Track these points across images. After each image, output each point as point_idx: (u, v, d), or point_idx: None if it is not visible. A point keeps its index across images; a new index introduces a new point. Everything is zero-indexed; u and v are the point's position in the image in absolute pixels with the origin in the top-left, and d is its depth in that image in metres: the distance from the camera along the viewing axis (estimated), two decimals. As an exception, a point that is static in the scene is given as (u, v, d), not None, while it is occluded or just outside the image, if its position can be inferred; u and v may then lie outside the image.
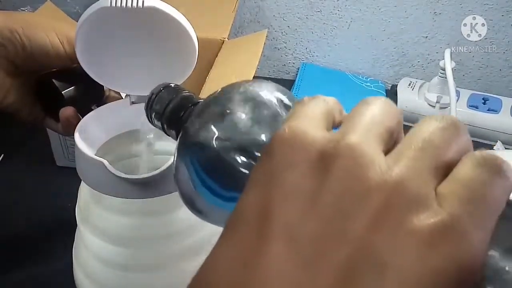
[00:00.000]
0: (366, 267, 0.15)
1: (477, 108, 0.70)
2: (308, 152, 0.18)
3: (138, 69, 0.38)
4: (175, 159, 0.26)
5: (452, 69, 0.66)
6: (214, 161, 0.24)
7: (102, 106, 0.40)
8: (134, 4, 0.33)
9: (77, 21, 0.35)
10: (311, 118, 0.19)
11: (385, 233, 0.16)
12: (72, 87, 0.43)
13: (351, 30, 0.79)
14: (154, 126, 0.31)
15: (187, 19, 0.36)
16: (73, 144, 0.36)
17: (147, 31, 0.36)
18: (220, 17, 0.66)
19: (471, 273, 0.15)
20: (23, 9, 0.68)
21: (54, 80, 0.42)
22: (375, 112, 0.18)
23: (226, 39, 0.61)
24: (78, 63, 0.37)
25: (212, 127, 0.24)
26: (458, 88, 0.71)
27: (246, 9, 0.80)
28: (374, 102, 0.19)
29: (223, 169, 0.23)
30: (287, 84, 0.80)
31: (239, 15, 0.80)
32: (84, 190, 0.40)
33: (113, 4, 0.33)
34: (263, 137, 0.23)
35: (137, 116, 0.39)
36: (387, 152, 0.18)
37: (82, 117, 0.39)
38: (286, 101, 0.25)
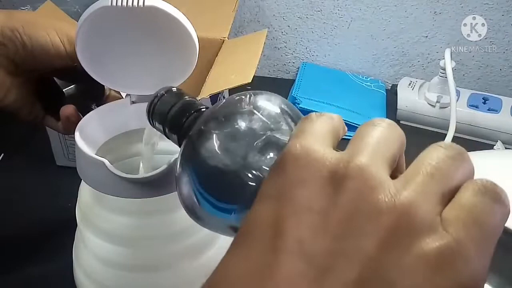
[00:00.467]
0: (375, 285, 0.16)
1: (477, 107, 0.69)
2: (320, 170, 0.18)
3: (139, 69, 0.38)
4: (177, 167, 0.26)
5: (452, 68, 0.66)
6: (217, 175, 0.24)
7: (102, 106, 0.40)
8: (135, 3, 0.33)
9: (77, 21, 0.35)
10: (319, 136, 0.20)
11: (394, 253, 0.16)
12: (73, 86, 0.43)
13: (351, 30, 0.79)
14: (155, 128, 0.31)
15: (188, 19, 0.36)
16: (73, 143, 0.36)
17: (148, 31, 0.36)
18: (220, 17, 0.66)
19: None
20: (23, 8, 0.68)
21: (55, 79, 0.42)
22: (381, 135, 0.19)
23: (226, 38, 0.61)
24: (79, 62, 0.37)
25: (218, 141, 0.24)
26: (458, 88, 0.71)
27: (246, 9, 0.80)
28: (381, 124, 0.20)
29: (225, 183, 0.24)
30: (287, 83, 0.80)
31: (239, 14, 0.80)
32: (84, 190, 0.40)
33: (114, 4, 0.33)
34: (270, 152, 0.23)
35: (137, 116, 0.39)
36: (391, 173, 0.18)
37: (82, 117, 0.39)
38: (292, 116, 0.25)
